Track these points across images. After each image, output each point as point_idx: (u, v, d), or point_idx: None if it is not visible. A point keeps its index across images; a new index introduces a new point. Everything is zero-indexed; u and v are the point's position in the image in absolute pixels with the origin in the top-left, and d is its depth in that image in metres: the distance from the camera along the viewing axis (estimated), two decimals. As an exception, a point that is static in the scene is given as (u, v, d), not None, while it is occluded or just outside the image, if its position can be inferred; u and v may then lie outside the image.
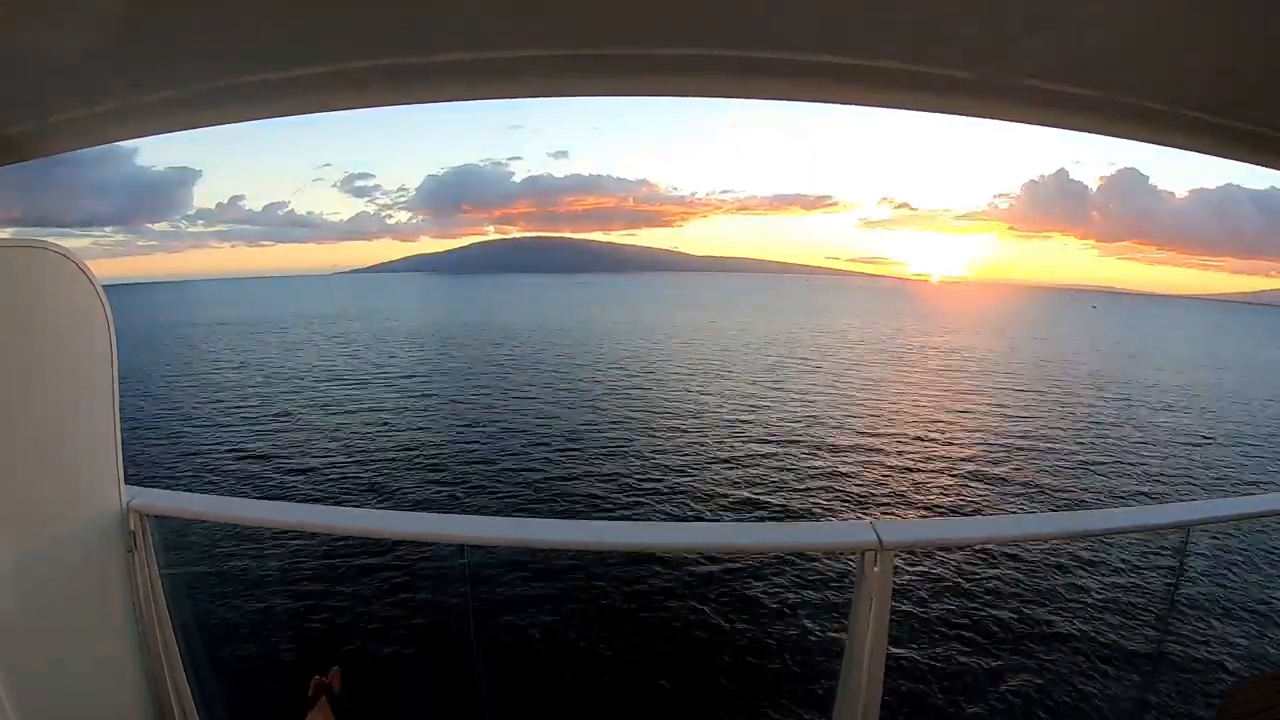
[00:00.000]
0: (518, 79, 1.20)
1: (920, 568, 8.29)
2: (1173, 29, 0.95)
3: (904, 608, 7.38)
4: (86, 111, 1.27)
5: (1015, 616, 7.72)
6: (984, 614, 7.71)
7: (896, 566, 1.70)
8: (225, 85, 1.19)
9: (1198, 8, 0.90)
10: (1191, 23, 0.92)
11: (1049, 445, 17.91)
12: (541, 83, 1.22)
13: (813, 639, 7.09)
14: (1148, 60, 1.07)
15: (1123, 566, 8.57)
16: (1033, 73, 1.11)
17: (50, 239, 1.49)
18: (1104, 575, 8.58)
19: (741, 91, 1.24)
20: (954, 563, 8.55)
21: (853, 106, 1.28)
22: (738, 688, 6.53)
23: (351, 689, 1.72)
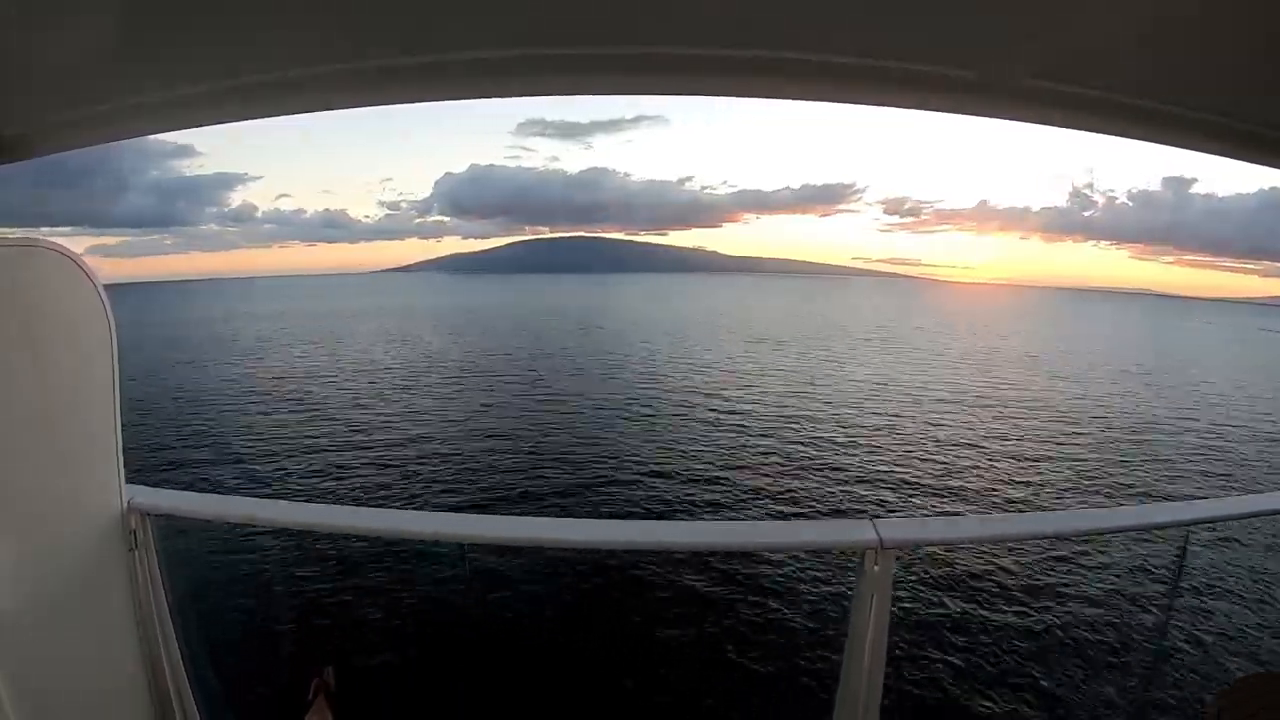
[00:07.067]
0: (526, 77, 1.21)
1: (921, 566, 8.30)
2: (1173, 29, 0.95)
3: (905, 606, 7.39)
4: (86, 111, 1.27)
5: (1016, 615, 7.72)
6: (985, 613, 7.72)
7: (897, 565, 1.70)
8: (225, 85, 1.19)
9: (1197, 7, 0.90)
10: (1191, 22, 0.93)
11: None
12: (549, 81, 1.22)
13: (813, 638, 7.10)
14: (1148, 60, 1.07)
15: (1123, 565, 8.58)
16: (1033, 73, 1.11)
17: (52, 238, 1.49)
18: (1105, 574, 8.59)
19: (743, 91, 1.24)
20: (955, 561, 8.56)
21: (852, 106, 1.29)
22: (738, 687, 6.54)
23: (351, 688, 1.73)
